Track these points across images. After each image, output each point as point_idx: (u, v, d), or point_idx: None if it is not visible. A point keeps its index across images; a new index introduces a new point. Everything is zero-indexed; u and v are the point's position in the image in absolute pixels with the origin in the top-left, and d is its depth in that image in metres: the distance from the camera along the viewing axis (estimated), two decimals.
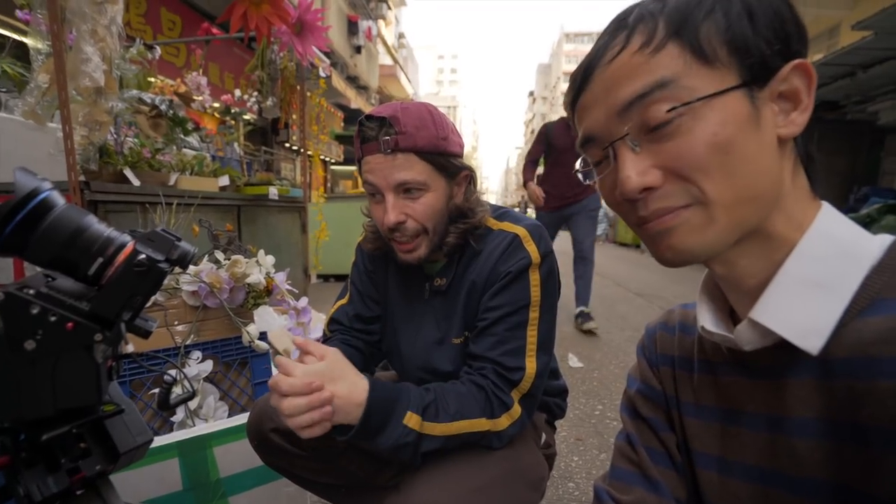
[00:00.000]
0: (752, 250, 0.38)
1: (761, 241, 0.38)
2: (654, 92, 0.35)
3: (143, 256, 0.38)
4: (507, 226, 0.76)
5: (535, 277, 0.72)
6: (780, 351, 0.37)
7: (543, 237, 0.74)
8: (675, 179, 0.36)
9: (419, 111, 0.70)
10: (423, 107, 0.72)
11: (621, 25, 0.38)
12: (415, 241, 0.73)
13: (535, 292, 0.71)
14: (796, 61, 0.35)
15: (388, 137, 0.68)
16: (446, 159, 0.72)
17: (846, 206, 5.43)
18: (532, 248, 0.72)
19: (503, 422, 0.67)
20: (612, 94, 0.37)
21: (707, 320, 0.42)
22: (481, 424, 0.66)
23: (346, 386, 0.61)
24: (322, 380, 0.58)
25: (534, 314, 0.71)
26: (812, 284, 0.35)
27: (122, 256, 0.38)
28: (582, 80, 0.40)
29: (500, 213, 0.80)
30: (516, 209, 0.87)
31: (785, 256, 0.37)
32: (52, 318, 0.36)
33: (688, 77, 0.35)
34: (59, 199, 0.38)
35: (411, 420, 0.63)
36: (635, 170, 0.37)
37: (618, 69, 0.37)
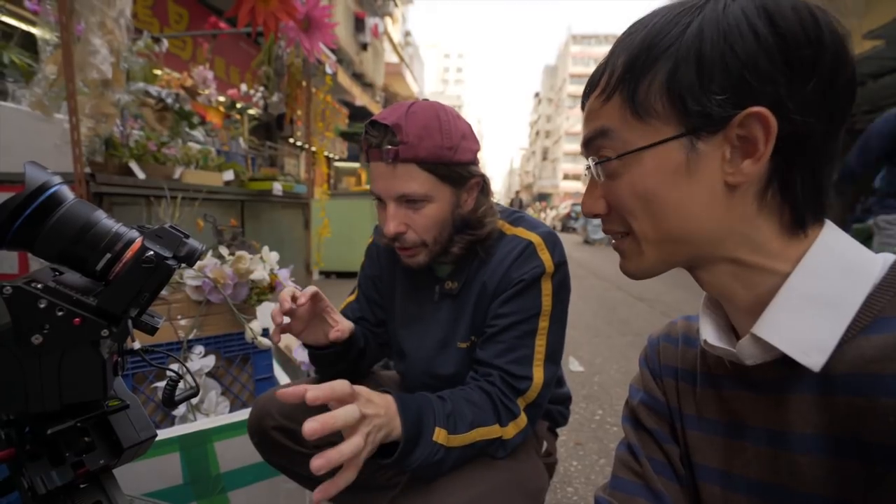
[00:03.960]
0: (721, 274, 0.39)
1: (729, 267, 0.39)
2: (597, 138, 0.40)
3: (151, 253, 0.38)
4: (522, 232, 0.74)
5: (547, 287, 0.70)
6: (782, 366, 0.37)
7: (558, 245, 0.73)
8: (615, 211, 0.41)
9: (426, 117, 0.67)
10: (433, 111, 0.68)
11: (608, 55, 0.41)
12: (414, 250, 0.73)
13: (547, 302, 0.70)
14: (750, 109, 0.33)
15: (389, 147, 0.66)
16: (452, 169, 0.69)
17: (853, 216, 5.38)
18: (546, 257, 0.71)
19: (510, 430, 0.67)
20: (583, 128, 0.42)
21: (709, 334, 0.42)
22: (494, 432, 0.65)
23: (378, 399, 0.56)
24: (358, 406, 0.52)
25: (543, 323, 0.70)
26: (815, 301, 0.35)
27: (130, 252, 0.38)
28: (582, 104, 0.44)
29: (515, 217, 0.78)
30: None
31: (770, 280, 0.37)
32: (60, 313, 0.36)
33: (623, 129, 0.38)
34: (68, 193, 0.38)
35: (440, 436, 0.60)
36: (590, 197, 0.43)
37: (588, 107, 0.42)
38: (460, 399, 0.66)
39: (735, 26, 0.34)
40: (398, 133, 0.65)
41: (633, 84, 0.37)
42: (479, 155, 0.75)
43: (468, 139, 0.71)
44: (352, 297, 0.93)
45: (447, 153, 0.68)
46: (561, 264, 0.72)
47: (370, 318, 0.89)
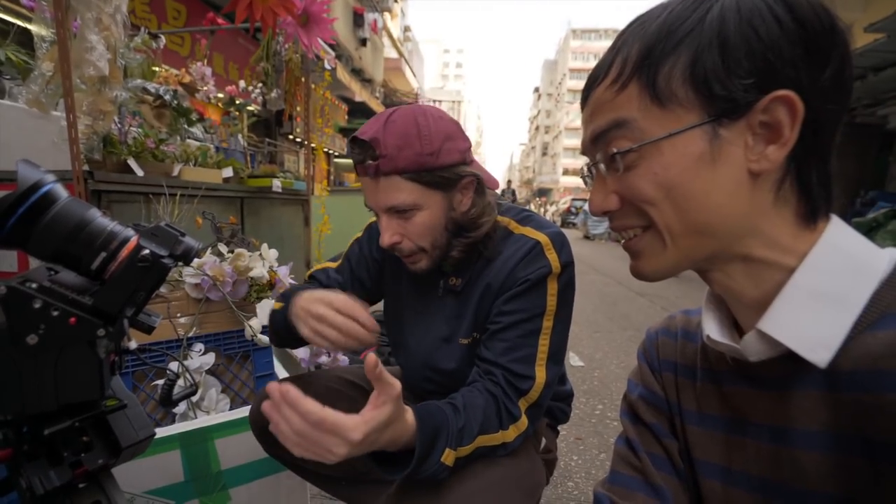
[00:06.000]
0: (733, 271, 0.39)
1: (741, 263, 0.38)
2: (612, 131, 0.38)
3: (146, 252, 0.38)
4: (530, 231, 0.74)
5: (553, 287, 0.70)
6: (787, 362, 0.36)
7: (565, 246, 0.72)
8: (630, 204, 0.40)
9: (404, 126, 0.66)
10: (411, 118, 0.67)
11: (614, 46, 0.40)
12: (414, 256, 0.72)
13: (552, 301, 0.70)
14: (778, 93, 0.33)
15: (370, 162, 0.66)
16: (436, 174, 0.67)
17: (853, 210, 5.39)
18: (553, 257, 0.70)
19: (511, 433, 0.66)
20: (589, 123, 0.41)
21: (712, 329, 0.42)
22: (496, 438, 0.65)
23: (399, 426, 0.56)
24: (381, 431, 0.52)
25: (548, 323, 0.70)
26: (821, 297, 0.35)
27: (125, 251, 0.38)
28: (584, 98, 0.43)
29: (524, 216, 0.77)
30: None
31: (777, 276, 0.37)
32: (55, 313, 0.36)
33: (642, 119, 0.37)
34: (62, 192, 0.38)
35: (448, 457, 0.60)
36: (598, 194, 0.41)
37: (596, 99, 0.40)
38: (472, 408, 0.64)
39: (757, 12, 0.34)
40: (377, 147, 0.65)
41: (653, 70, 0.36)
42: (478, 150, 0.75)
43: (453, 139, 0.69)
44: (331, 265, 0.91)
45: (428, 160, 0.66)
46: (568, 265, 0.72)
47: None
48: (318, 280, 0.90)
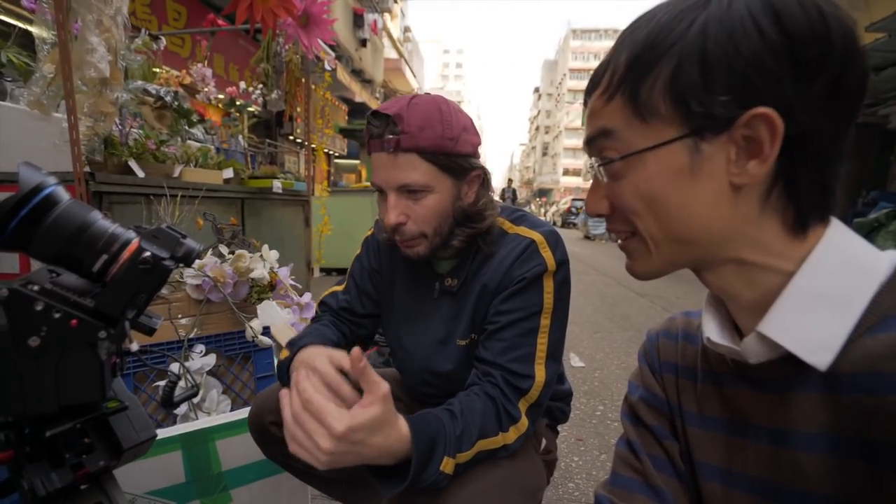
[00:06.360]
0: (725, 274, 0.39)
1: (734, 267, 0.38)
2: (599, 139, 0.40)
3: (147, 254, 0.38)
4: (524, 230, 0.74)
5: (549, 285, 0.70)
6: (787, 364, 0.36)
7: (560, 244, 0.73)
8: (618, 211, 0.41)
9: (428, 109, 0.67)
10: (435, 103, 0.69)
11: (611, 52, 0.40)
12: (414, 241, 0.73)
13: (549, 299, 0.70)
14: (756, 110, 0.33)
15: (391, 136, 0.66)
16: (452, 160, 0.69)
17: (854, 211, 5.38)
18: (548, 255, 0.71)
19: (511, 435, 0.66)
20: (586, 127, 0.42)
21: (713, 332, 0.42)
22: (497, 442, 0.65)
23: (392, 433, 0.55)
24: (368, 431, 0.51)
25: (545, 321, 0.70)
26: (822, 300, 0.35)
27: (126, 253, 0.38)
28: (584, 101, 0.43)
29: (517, 216, 0.78)
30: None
31: (772, 279, 0.37)
32: (57, 315, 0.36)
33: (626, 130, 0.38)
34: (63, 194, 0.38)
35: (447, 465, 0.59)
36: (594, 197, 0.42)
37: (591, 105, 0.41)
38: (470, 412, 0.64)
39: (740, 24, 0.33)
40: (399, 123, 0.66)
41: (635, 84, 0.36)
42: (480, 149, 0.75)
43: (469, 132, 0.71)
44: (338, 288, 0.92)
45: (448, 144, 0.68)
46: (563, 263, 0.72)
47: (358, 310, 0.89)
48: (328, 305, 0.91)
